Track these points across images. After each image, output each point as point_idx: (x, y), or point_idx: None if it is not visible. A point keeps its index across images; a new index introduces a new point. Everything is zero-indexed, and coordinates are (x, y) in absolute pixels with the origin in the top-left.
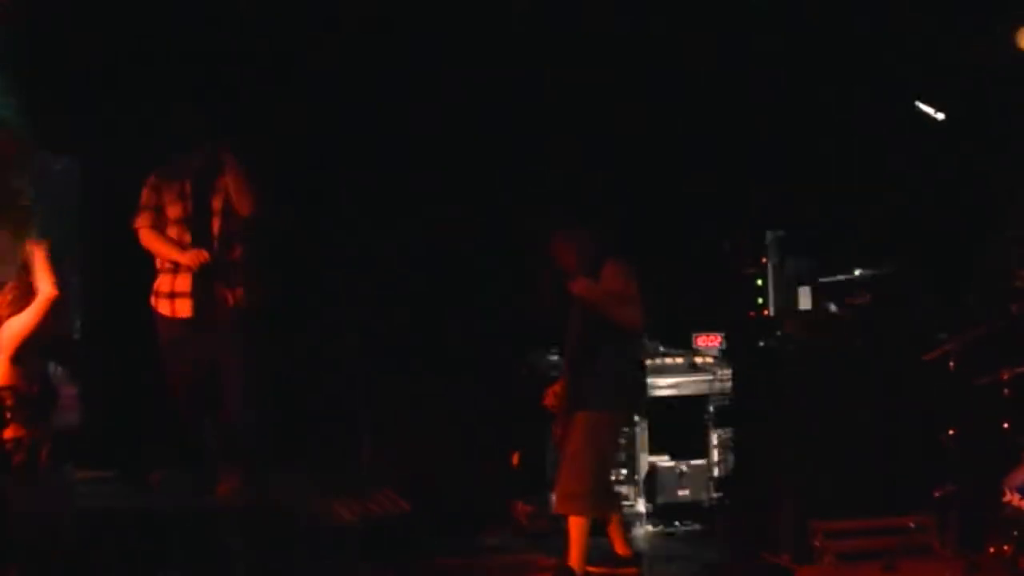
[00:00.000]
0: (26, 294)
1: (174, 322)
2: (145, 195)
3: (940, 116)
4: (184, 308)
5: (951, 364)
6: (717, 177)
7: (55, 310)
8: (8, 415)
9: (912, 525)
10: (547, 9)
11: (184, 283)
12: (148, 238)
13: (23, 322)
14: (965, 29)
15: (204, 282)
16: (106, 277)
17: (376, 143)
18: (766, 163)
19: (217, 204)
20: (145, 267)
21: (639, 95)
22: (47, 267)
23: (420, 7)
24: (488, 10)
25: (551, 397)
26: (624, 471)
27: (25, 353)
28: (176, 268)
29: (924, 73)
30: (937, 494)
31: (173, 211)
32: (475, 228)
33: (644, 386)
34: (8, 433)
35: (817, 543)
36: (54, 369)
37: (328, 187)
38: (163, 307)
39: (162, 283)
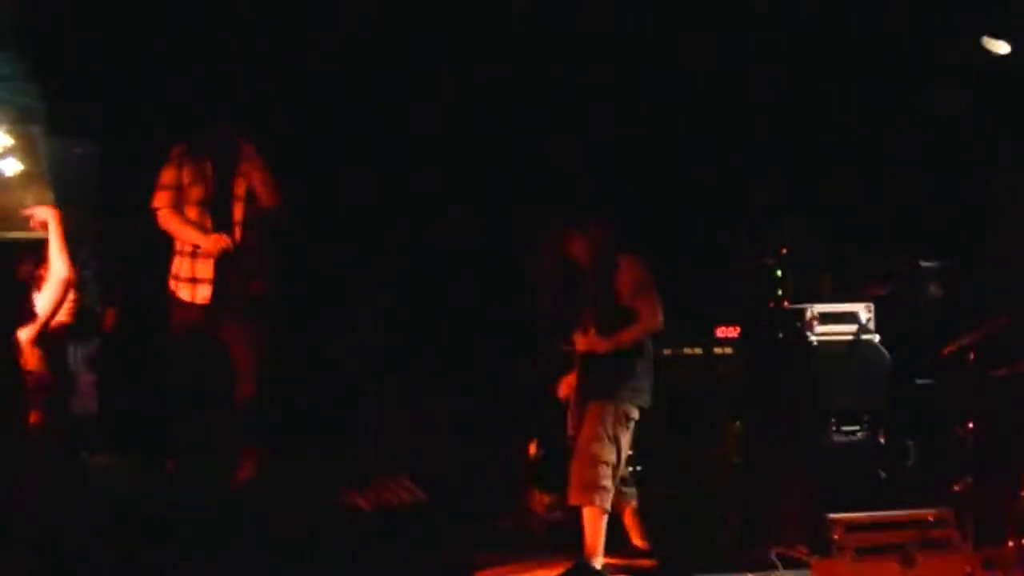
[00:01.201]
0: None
1: (192, 307)
2: (165, 174)
3: (1005, 50)
4: (205, 294)
5: (971, 356)
6: (737, 166)
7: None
8: (28, 401)
9: (930, 519)
10: (547, 8)
11: (206, 268)
12: (168, 219)
13: (41, 306)
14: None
15: (223, 268)
16: (125, 262)
17: (376, 140)
18: (787, 150)
19: (240, 189)
20: (165, 251)
21: (650, 85)
22: (62, 243)
23: (420, 7)
24: (488, 10)
25: (565, 388)
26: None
27: (44, 338)
28: (196, 252)
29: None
30: (956, 487)
31: (194, 193)
32: (486, 215)
33: (652, 378)
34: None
35: (835, 537)
36: (74, 354)
37: (331, 181)
38: (184, 292)
39: (182, 267)
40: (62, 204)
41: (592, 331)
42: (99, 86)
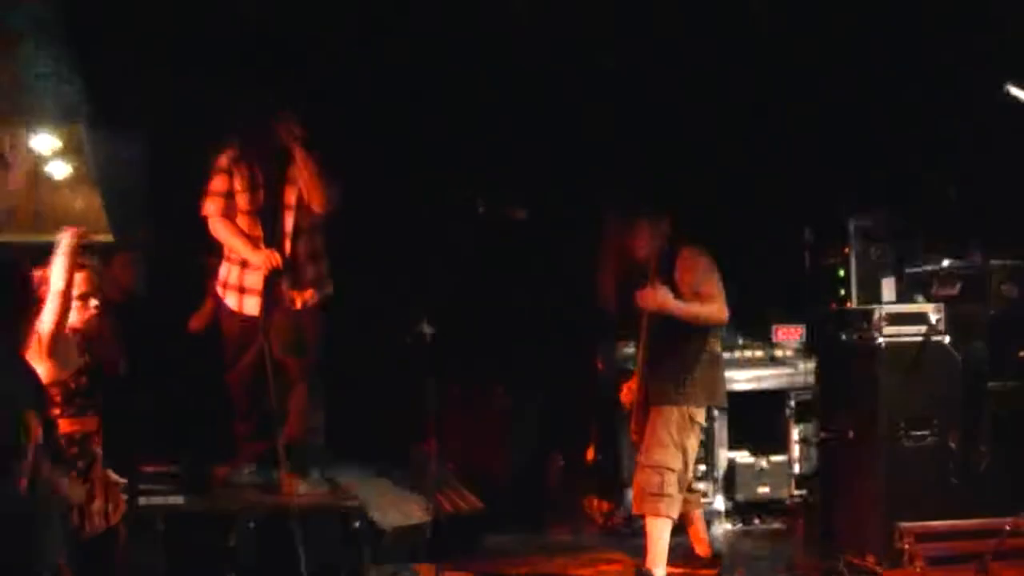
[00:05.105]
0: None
1: (240, 317)
2: (215, 180)
3: None
4: (252, 306)
5: None
6: (799, 163)
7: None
8: (57, 411)
9: (1007, 528)
10: None
11: (255, 280)
12: (219, 228)
13: (45, 319)
14: None
15: (273, 281)
16: (175, 262)
17: (435, 134)
18: (850, 149)
19: (291, 198)
20: (215, 252)
21: (715, 80)
22: (68, 256)
23: None
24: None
25: (627, 392)
26: (703, 467)
27: (60, 348)
28: (246, 262)
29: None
30: None
31: (244, 201)
32: (543, 218)
33: (722, 379)
34: (60, 429)
35: (906, 546)
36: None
37: (395, 177)
38: (231, 300)
39: (231, 274)
40: (110, 207)
41: (659, 285)
42: (145, 82)
